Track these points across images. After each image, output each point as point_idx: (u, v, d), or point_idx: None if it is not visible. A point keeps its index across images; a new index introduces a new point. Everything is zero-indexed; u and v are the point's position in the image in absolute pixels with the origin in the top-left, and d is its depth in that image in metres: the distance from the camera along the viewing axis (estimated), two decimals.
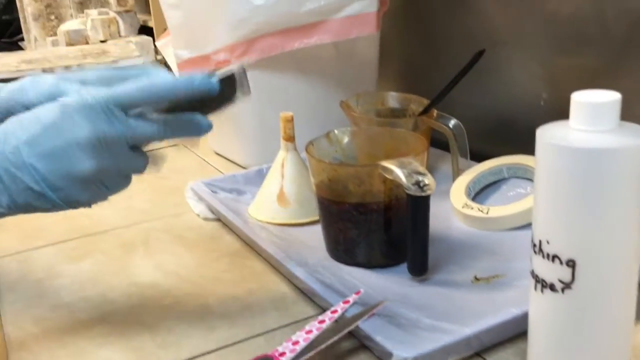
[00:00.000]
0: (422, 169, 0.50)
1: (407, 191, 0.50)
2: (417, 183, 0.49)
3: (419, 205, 0.50)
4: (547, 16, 0.68)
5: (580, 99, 0.34)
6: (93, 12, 1.56)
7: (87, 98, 0.40)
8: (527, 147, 0.75)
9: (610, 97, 0.34)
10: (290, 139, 0.67)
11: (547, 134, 0.36)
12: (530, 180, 0.65)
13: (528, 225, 0.44)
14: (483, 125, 0.80)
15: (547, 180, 0.35)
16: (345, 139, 0.62)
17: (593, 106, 0.34)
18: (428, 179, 0.49)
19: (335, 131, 0.62)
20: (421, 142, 0.57)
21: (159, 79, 0.42)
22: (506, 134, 0.78)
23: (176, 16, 0.76)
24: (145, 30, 1.60)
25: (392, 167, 0.51)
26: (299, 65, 0.80)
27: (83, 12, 1.63)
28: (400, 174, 0.50)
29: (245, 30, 0.74)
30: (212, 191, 0.72)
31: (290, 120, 0.67)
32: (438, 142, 0.76)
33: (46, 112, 0.40)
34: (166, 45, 0.86)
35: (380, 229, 0.55)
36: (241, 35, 0.74)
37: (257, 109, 0.81)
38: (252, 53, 0.76)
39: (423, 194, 0.49)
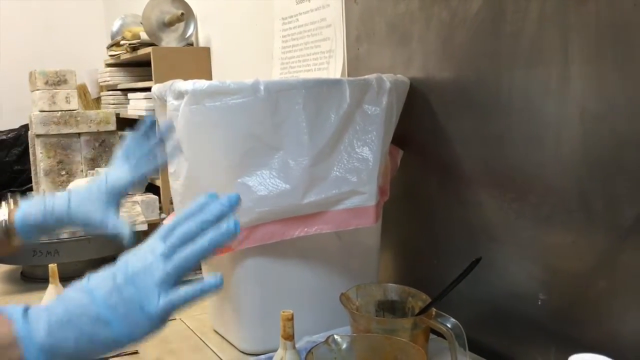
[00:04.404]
0: None
1: None
2: None
3: None
4: (540, 216, 0.70)
5: None
6: (103, 170, 1.62)
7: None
8: (524, 341, 0.75)
9: None
10: (290, 337, 0.67)
11: None
12: None
13: None
14: (480, 316, 0.80)
15: None
16: (345, 345, 0.61)
17: None
18: None
19: (335, 336, 0.61)
20: (420, 355, 0.56)
21: None
22: (503, 327, 0.77)
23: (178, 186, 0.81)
24: (152, 188, 1.65)
25: None
26: (301, 252, 0.81)
27: (94, 169, 1.69)
28: None
29: (247, 218, 0.76)
30: None
31: (290, 319, 0.66)
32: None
33: None
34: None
35: None
36: (243, 222, 0.76)
37: (258, 295, 0.81)
38: (253, 240, 0.78)
39: None
